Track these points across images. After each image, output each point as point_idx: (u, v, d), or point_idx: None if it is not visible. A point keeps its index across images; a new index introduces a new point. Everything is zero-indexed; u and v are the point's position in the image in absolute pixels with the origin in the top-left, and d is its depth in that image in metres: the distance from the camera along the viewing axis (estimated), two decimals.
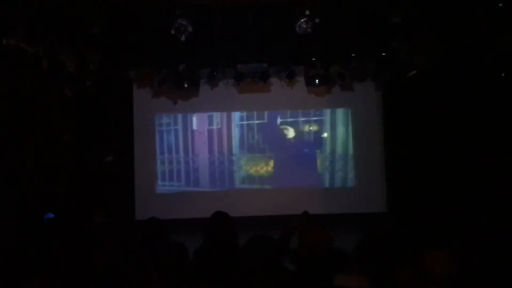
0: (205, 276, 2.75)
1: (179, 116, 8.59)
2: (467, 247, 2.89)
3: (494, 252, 2.94)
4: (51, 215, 6.53)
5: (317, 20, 5.10)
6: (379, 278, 2.68)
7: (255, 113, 8.62)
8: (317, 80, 7.42)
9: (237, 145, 8.61)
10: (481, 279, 2.46)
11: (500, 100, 6.36)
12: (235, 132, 8.62)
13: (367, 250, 2.85)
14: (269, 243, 2.43)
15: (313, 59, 7.25)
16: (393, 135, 8.11)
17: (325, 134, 8.60)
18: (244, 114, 8.65)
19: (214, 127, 8.63)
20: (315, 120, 8.63)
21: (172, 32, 5.03)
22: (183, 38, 5.05)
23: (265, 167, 8.58)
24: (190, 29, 5.04)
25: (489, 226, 5.27)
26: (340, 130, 8.60)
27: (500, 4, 4.27)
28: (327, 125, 8.63)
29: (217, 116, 8.65)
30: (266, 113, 8.63)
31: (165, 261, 2.25)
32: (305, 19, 5.11)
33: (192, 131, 8.62)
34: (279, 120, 8.64)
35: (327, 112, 8.63)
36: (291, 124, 8.63)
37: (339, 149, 8.60)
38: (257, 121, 8.63)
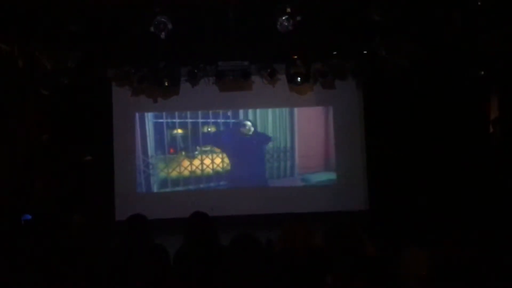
0: (186, 279, 2.70)
1: None
2: (446, 246, 2.91)
3: (472, 251, 2.96)
4: (29, 217, 6.39)
5: (298, 18, 5.07)
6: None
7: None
8: (298, 78, 7.42)
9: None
10: (457, 277, 2.47)
11: (479, 98, 6.47)
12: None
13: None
14: (253, 243, 2.39)
15: (295, 56, 7.24)
16: (374, 132, 8.16)
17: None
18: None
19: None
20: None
21: (152, 29, 4.94)
22: (163, 35, 4.96)
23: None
24: (170, 26, 4.95)
25: (469, 223, 5.32)
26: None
27: (479, 3, 4.31)
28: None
29: None
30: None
31: (146, 265, 2.19)
32: (286, 16, 5.07)
33: None
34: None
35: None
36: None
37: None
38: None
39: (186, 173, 8.42)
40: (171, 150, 8.45)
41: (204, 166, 8.45)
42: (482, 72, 5.62)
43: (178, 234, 3.62)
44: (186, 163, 8.43)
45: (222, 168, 8.48)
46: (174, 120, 8.48)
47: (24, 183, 6.64)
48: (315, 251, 3.06)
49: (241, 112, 8.56)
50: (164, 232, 5.06)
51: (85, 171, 7.64)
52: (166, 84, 7.26)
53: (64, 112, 7.43)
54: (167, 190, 8.40)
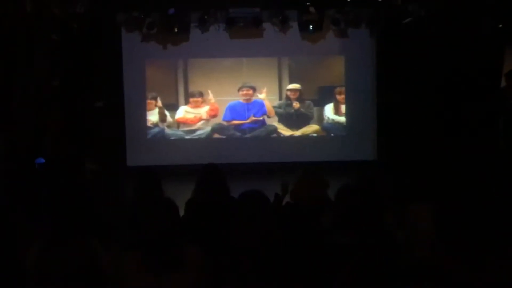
0: (195, 233, 2.79)
1: None
2: (452, 202, 2.94)
3: (478, 209, 2.99)
4: (42, 160, 6.53)
5: None
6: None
7: None
8: (311, 26, 7.26)
9: None
10: (460, 234, 2.51)
11: (494, 50, 6.33)
12: None
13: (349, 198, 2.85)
14: (261, 200, 2.45)
15: (307, 3, 7.05)
16: (386, 82, 8.05)
17: None
18: None
19: None
20: None
21: None
22: None
23: None
24: None
25: (477, 180, 5.36)
26: None
27: None
28: None
29: None
30: None
31: (156, 218, 2.27)
32: None
33: None
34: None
35: None
36: None
37: None
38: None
39: (194, 120, 8.42)
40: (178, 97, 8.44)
41: (210, 115, 8.43)
42: (500, 25, 5.46)
43: (188, 181, 3.70)
44: (193, 110, 8.41)
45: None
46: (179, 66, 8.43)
47: (36, 127, 6.73)
48: (324, 204, 3.12)
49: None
50: (174, 179, 5.19)
51: (96, 116, 7.70)
52: (176, 30, 7.18)
53: (74, 58, 7.40)
54: (176, 137, 8.45)
